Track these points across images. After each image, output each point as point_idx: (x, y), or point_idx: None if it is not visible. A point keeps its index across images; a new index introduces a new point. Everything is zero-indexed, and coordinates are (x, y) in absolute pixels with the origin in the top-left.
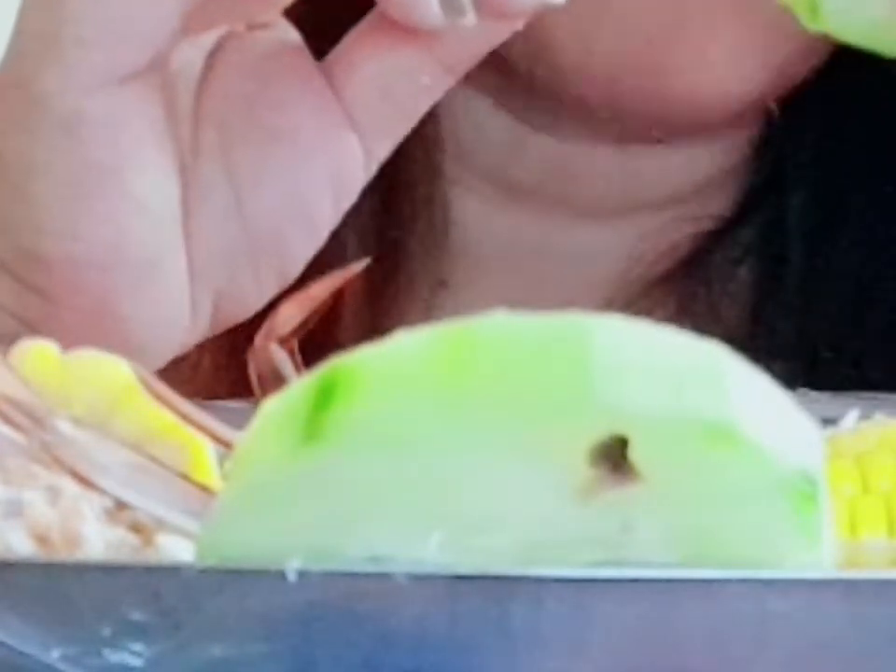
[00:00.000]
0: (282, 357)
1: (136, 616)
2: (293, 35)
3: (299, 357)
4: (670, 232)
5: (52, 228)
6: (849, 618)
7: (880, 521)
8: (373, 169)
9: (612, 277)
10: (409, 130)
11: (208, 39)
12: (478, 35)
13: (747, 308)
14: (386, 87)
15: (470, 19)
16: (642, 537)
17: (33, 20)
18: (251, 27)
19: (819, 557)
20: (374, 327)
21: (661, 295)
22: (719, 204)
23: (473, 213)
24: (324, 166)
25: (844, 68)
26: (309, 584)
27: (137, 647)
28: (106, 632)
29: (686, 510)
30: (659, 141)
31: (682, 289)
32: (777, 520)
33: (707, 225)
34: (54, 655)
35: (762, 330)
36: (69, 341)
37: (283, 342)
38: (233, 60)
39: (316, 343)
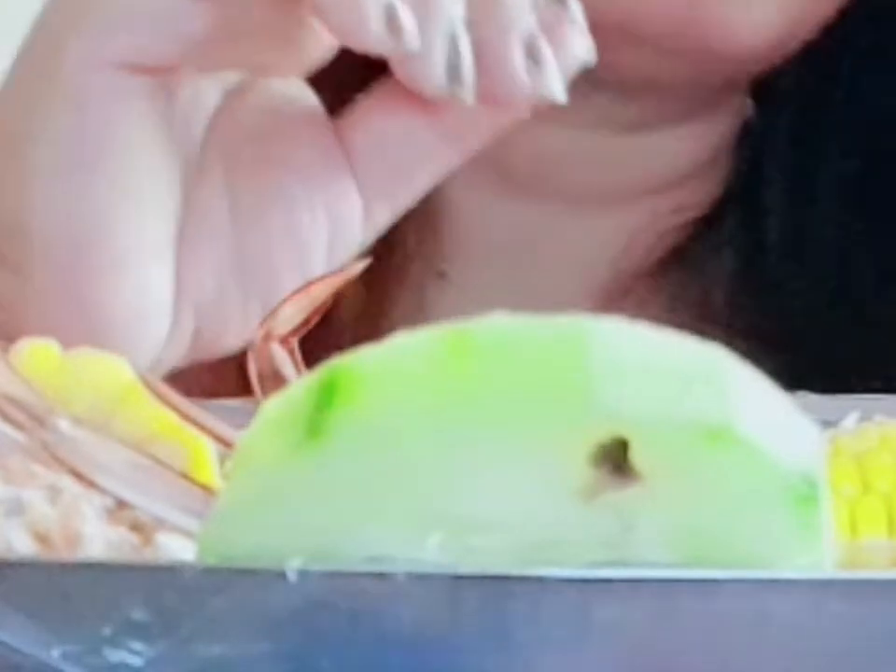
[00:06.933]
0: (282, 357)
1: (137, 615)
2: (309, 93)
3: (299, 357)
4: (659, 222)
5: (39, 200)
6: (849, 618)
7: (880, 521)
8: (371, 234)
9: (606, 268)
10: (410, 202)
11: (230, 78)
12: (483, 118)
13: (727, 296)
14: (390, 150)
15: (469, 97)
16: (642, 537)
17: None
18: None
19: (820, 558)
20: (372, 319)
21: (653, 286)
22: (703, 193)
23: (470, 203)
24: (324, 212)
25: (817, 55)
26: (309, 584)
27: (138, 646)
28: (107, 631)
29: (686, 511)
30: (657, 122)
31: (672, 280)
32: (778, 521)
33: (692, 215)
34: (55, 654)
35: (741, 318)
36: (39, 324)
37: (283, 342)
38: (251, 100)
39: (315, 338)
